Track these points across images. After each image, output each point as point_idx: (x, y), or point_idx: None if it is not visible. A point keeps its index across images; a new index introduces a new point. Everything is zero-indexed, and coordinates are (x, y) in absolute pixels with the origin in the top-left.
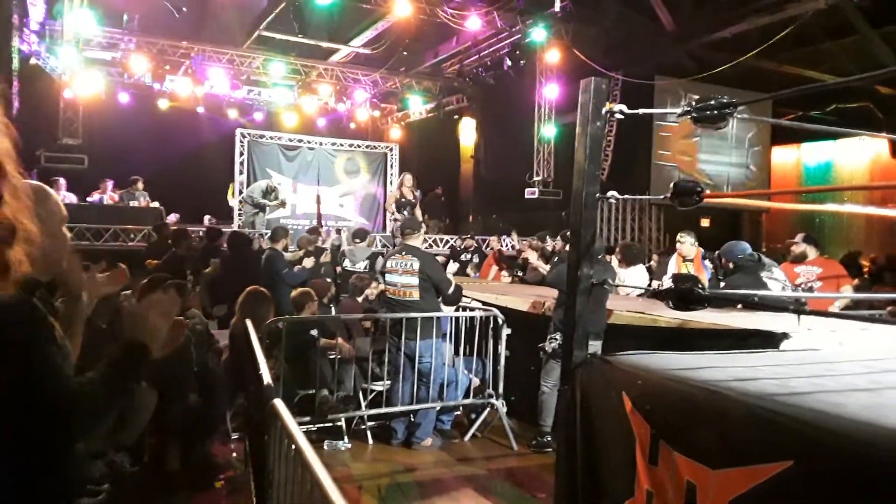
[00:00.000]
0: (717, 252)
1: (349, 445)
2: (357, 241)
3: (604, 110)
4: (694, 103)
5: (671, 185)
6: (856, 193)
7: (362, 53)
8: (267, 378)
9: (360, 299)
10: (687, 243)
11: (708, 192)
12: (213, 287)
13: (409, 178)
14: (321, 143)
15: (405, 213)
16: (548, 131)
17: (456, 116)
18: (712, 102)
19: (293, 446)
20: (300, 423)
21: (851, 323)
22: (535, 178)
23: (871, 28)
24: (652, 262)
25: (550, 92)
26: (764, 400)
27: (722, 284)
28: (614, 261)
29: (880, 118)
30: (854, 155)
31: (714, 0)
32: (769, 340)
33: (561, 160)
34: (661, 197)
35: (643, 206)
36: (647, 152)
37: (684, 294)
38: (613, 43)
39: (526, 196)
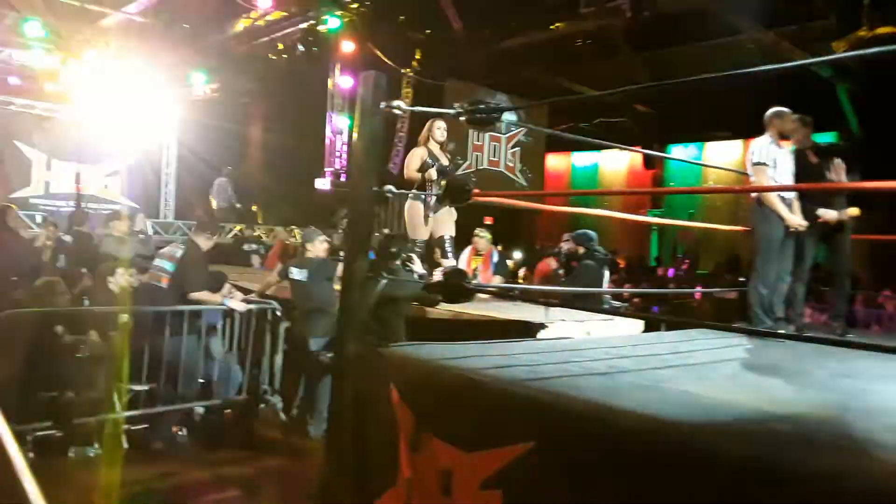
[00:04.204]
0: (567, 235)
1: (100, 451)
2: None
3: (381, 105)
4: (466, 106)
5: (443, 183)
6: (615, 198)
7: (137, 21)
8: None
9: (114, 289)
10: (484, 239)
11: (477, 190)
12: None
13: (440, 128)
14: (85, 115)
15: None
16: (342, 122)
17: (244, 99)
18: (482, 106)
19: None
20: (40, 429)
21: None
22: (328, 170)
23: (633, 51)
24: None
25: (345, 82)
26: (515, 386)
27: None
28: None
29: (637, 132)
30: (615, 164)
31: (499, 11)
32: (528, 330)
33: None
34: (436, 192)
35: None
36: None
37: (454, 288)
38: (410, 42)
39: (317, 187)
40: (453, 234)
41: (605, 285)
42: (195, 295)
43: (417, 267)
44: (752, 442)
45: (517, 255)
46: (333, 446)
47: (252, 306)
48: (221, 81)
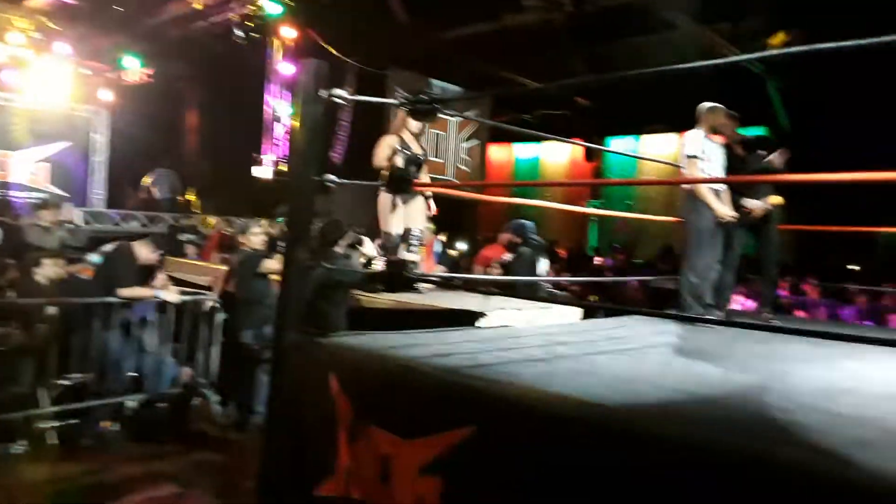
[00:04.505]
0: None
1: (27, 448)
2: None
3: (323, 93)
4: (409, 96)
5: (385, 173)
6: (556, 190)
7: (67, 3)
8: None
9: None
10: (427, 230)
11: (418, 180)
12: None
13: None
14: (8, 100)
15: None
16: (282, 109)
17: (180, 84)
18: (424, 97)
19: None
20: None
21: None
22: (268, 158)
23: (574, 44)
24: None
25: (286, 69)
26: (454, 373)
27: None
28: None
29: (577, 125)
30: (556, 156)
31: (442, 2)
32: (469, 319)
33: None
34: (379, 183)
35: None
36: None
37: (395, 277)
38: (352, 29)
39: (256, 175)
40: (423, 227)
41: (544, 272)
42: (124, 292)
43: (369, 250)
44: (680, 422)
45: (460, 245)
46: (271, 437)
47: (186, 298)
48: (156, 66)
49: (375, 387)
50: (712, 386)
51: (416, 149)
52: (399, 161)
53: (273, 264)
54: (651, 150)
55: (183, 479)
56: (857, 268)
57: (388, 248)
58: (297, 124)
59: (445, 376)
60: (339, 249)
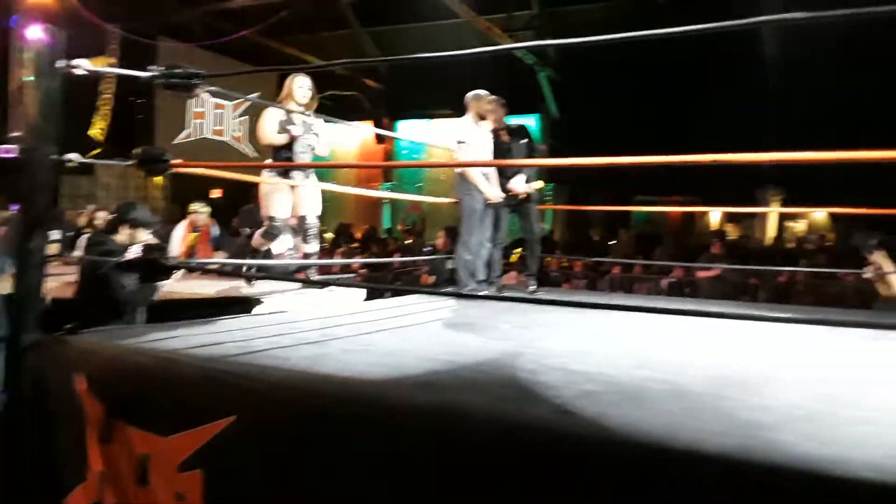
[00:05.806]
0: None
1: None
2: None
3: (60, 63)
4: (161, 69)
5: (136, 150)
6: (349, 172)
7: None
8: None
9: None
10: (203, 214)
11: (179, 161)
12: None
13: (302, 86)
14: None
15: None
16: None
17: None
18: (180, 70)
19: None
20: None
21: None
22: (13, 134)
23: (360, 25)
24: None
25: (35, 34)
26: (216, 362)
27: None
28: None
29: (367, 107)
30: (348, 138)
31: None
32: (245, 306)
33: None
34: (130, 162)
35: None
36: (151, 118)
37: (151, 265)
38: None
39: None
40: (318, 213)
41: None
42: None
43: (175, 239)
44: (435, 390)
45: (246, 229)
46: (8, 449)
47: None
48: None
49: (129, 384)
50: (473, 354)
51: (299, 125)
52: (284, 137)
53: None
54: (440, 134)
55: None
56: (614, 242)
57: (271, 234)
58: (33, 98)
59: (204, 366)
60: (122, 237)
